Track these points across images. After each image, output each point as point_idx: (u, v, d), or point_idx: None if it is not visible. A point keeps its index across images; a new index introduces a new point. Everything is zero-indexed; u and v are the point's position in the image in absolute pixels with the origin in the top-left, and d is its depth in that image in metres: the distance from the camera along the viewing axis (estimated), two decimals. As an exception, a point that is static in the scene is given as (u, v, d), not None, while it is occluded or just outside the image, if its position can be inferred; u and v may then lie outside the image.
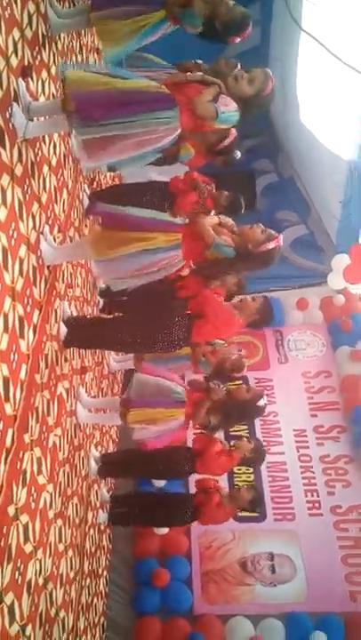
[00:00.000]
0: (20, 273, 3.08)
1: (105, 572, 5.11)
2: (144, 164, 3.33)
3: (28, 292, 3.19)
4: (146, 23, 3.79)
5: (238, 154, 5.16)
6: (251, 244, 3.56)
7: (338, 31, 6.62)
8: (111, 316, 4.87)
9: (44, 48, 3.49)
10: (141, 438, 4.10)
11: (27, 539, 3.10)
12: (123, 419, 4.33)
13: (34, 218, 3.31)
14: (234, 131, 4.59)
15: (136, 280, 3.56)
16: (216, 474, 4.85)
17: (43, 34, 3.47)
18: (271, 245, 3.58)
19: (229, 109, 3.25)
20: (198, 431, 4.74)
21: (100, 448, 4.97)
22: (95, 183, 5.14)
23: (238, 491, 4.93)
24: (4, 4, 2.80)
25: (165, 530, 5.48)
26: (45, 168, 3.55)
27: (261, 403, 4.36)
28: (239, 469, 6.28)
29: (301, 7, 7.01)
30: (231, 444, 4.77)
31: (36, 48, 3.34)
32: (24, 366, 3.10)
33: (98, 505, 4.88)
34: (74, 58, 4.16)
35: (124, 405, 4.19)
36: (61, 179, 3.95)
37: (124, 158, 3.24)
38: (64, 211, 4.00)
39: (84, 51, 4.60)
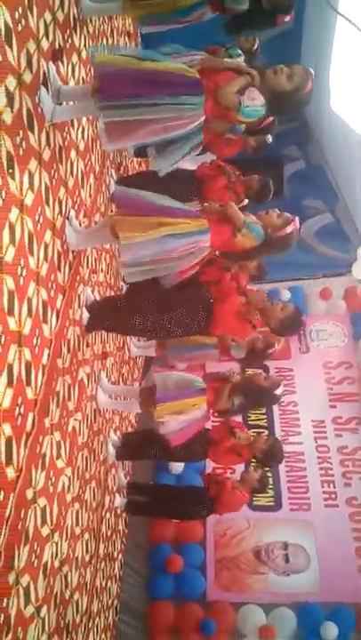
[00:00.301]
0: (45, 258, 3.07)
1: (120, 556, 5.16)
2: (177, 158, 3.28)
3: (52, 276, 3.19)
4: (182, 3, 3.74)
5: (270, 138, 5.12)
6: (269, 230, 3.52)
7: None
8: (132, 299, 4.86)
9: (75, 31, 3.46)
10: (168, 432, 4.09)
11: (44, 522, 3.13)
12: (143, 407, 4.35)
13: (60, 203, 3.30)
14: (270, 139, 4.56)
15: (162, 267, 3.50)
16: (225, 465, 4.87)
17: (74, 17, 3.44)
18: (289, 230, 3.52)
19: (255, 103, 3.11)
20: (218, 421, 4.75)
21: (118, 433, 4.99)
22: (122, 168, 5.12)
23: (247, 473, 4.92)
24: (37, -13, 2.78)
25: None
26: (73, 152, 3.53)
27: (278, 391, 4.33)
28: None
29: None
30: (249, 436, 4.75)
31: (68, 31, 3.32)
32: (46, 351, 3.11)
33: (115, 489, 4.91)
34: (105, 41, 4.11)
35: (143, 400, 4.20)
36: (89, 163, 3.93)
37: (161, 152, 3.23)
38: (90, 196, 3.99)
39: (115, 34, 4.56)
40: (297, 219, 3.60)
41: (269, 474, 6.15)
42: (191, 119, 3.08)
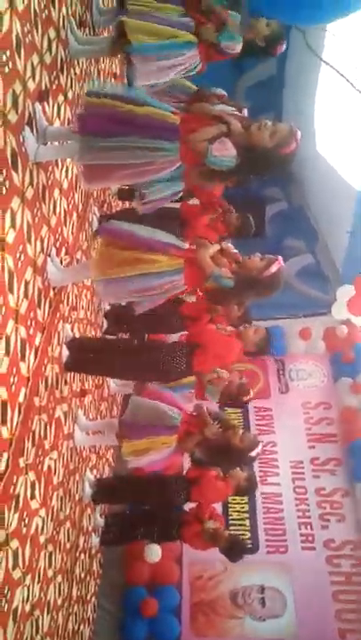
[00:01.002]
0: (25, 295, 3.06)
1: (93, 598, 5.03)
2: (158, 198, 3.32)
3: (31, 314, 3.18)
4: (176, 36, 3.80)
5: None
6: (252, 273, 3.53)
7: (356, 61, 6.70)
8: (113, 339, 4.85)
9: (62, 73, 3.51)
10: (136, 465, 4.07)
11: (16, 564, 3.06)
12: (119, 441, 4.30)
13: (42, 241, 3.30)
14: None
15: (137, 300, 3.53)
16: (212, 501, 4.80)
17: (62, 59, 3.49)
18: (274, 269, 3.54)
19: (224, 154, 3.08)
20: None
21: (95, 472, 4.92)
22: (105, 206, 5.15)
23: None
24: (25, 31, 2.82)
25: (157, 557, 5.40)
26: (56, 191, 3.55)
27: (254, 453, 4.27)
28: (234, 499, 6.23)
29: (323, 38, 7.09)
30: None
31: (54, 72, 3.36)
32: (23, 389, 3.08)
33: (90, 529, 4.82)
34: (91, 83, 4.17)
35: (120, 430, 4.16)
36: (72, 202, 3.95)
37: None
38: (72, 233, 4.00)
39: (101, 75, 4.63)
40: (280, 258, 3.63)
41: (247, 515, 6.17)
42: (164, 165, 3.12)
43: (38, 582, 3.45)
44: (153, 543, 5.38)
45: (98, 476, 4.96)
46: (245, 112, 4.92)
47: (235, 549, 4.79)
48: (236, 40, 3.95)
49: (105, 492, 4.73)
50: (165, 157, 3.09)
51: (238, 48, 3.99)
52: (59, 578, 3.91)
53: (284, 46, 4.20)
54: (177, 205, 4.90)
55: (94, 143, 3.04)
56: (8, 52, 2.63)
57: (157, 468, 4.22)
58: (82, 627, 4.64)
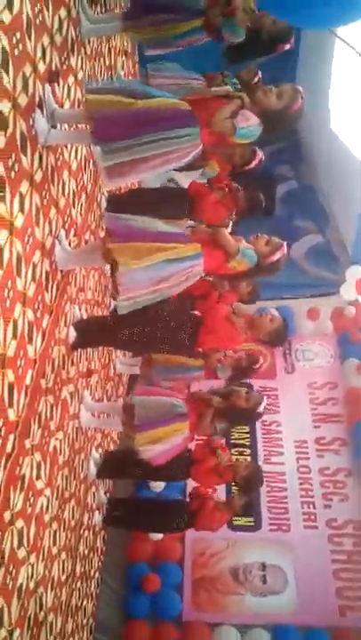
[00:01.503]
0: (33, 278, 3.07)
1: (97, 574, 5.12)
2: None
3: (39, 297, 3.18)
4: (180, 30, 3.79)
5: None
6: (258, 255, 3.54)
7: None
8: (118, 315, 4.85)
9: (73, 53, 3.47)
10: (149, 456, 4.09)
11: (20, 544, 3.11)
12: (125, 427, 4.35)
13: (50, 223, 3.29)
14: (260, 153, 4.58)
15: (152, 297, 3.50)
16: (206, 485, 4.85)
17: (72, 38, 3.45)
18: (277, 256, 3.57)
19: (250, 124, 3.18)
20: (200, 440, 4.75)
21: (100, 450, 4.97)
22: (114, 185, 5.11)
23: (232, 498, 4.95)
24: (36, 11, 2.78)
25: (160, 535, 5.50)
26: (65, 173, 3.53)
27: (260, 409, 4.34)
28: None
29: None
30: (231, 457, 4.78)
31: (65, 53, 3.32)
32: (30, 371, 3.10)
33: (94, 507, 4.89)
34: (102, 60, 4.12)
35: (126, 419, 4.19)
36: (81, 182, 3.93)
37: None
38: (81, 214, 3.99)
39: (112, 53, 4.57)
40: (285, 244, 3.63)
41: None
42: (190, 149, 3.12)
43: (42, 560, 3.51)
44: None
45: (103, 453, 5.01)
46: (260, 74, 4.89)
47: (254, 479, 4.79)
48: (237, 34, 3.90)
49: (110, 465, 4.79)
50: (186, 143, 3.09)
51: (238, 40, 3.96)
52: (63, 555, 3.97)
53: (288, 46, 4.16)
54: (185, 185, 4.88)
55: (112, 146, 3.04)
56: (19, 34, 2.59)
57: (170, 457, 4.23)
58: (85, 602, 4.73)
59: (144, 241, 3.36)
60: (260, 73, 5.03)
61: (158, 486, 5.55)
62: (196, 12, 3.77)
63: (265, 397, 4.44)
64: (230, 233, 3.93)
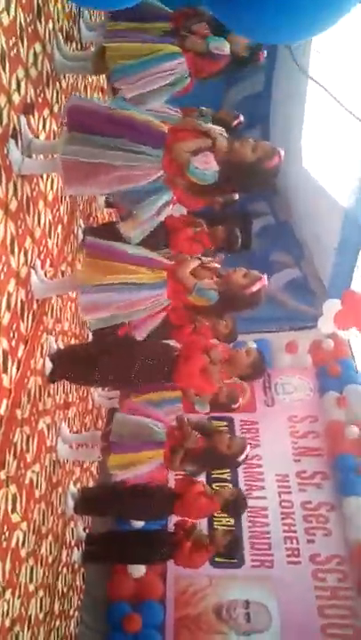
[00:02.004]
0: (7, 307, 3.06)
1: (76, 613, 4.98)
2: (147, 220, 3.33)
3: (14, 326, 3.17)
4: (158, 50, 3.84)
5: (236, 195, 5.22)
6: (234, 289, 3.54)
7: (344, 79, 6.78)
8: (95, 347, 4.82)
9: (48, 86, 3.53)
10: (122, 478, 4.05)
11: (-5, 579, 3.03)
12: (104, 454, 4.29)
13: (26, 253, 3.30)
14: (236, 196, 4.63)
15: (122, 314, 3.51)
16: (194, 517, 4.78)
17: (47, 72, 3.51)
18: (256, 287, 3.54)
19: (206, 167, 3.09)
20: (180, 475, 4.70)
21: (78, 485, 4.89)
22: (92, 218, 5.16)
23: (215, 534, 4.87)
24: (11, 44, 2.84)
25: (141, 572, 5.38)
26: (41, 203, 3.56)
27: (242, 457, 4.29)
28: (219, 513, 6.19)
29: (309, 55, 7.17)
30: (213, 487, 4.72)
31: (40, 86, 3.38)
32: (5, 401, 3.07)
33: (73, 543, 4.79)
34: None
35: (104, 447, 4.14)
36: (57, 214, 3.96)
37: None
38: (57, 245, 4.00)
39: (88, 89, 4.65)
40: (265, 276, 3.62)
41: (232, 528, 6.12)
42: (147, 171, 3.12)
43: (19, 597, 3.42)
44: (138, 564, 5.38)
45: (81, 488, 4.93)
46: (241, 118, 4.98)
47: (233, 507, 4.73)
48: (224, 43, 3.98)
49: (88, 502, 4.70)
50: (149, 163, 3.10)
51: (227, 49, 4.02)
52: (40, 592, 3.87)
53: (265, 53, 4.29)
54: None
55: (81, 138, 3.06)
56: (-8, 65, 2.64)
57: (142, 480, 4.21)
58: (63, 642, 4.60)
59: (112, 259, 3.38)
60: (241, 117, 5.11)
61: (138, 523, 5.45)
62: (169, 36, 3.85)
63: (248, 446, 4.38)
64: (208, 263, 3.95)
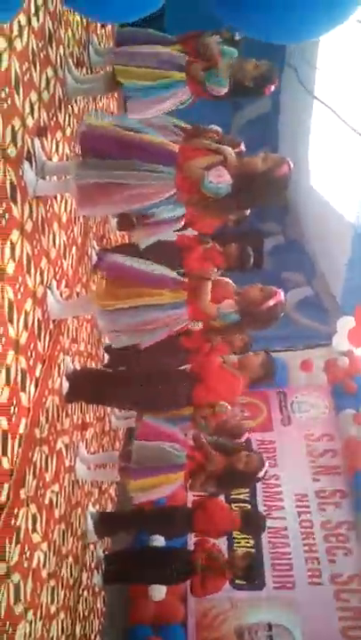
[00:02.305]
0: (25, 326, 3.09)
1: (97, 637, 4.93)
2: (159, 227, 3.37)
3: (31, 345, 3.20)
4: (165, 77, 3.91)
5: (248, 212, 5.23)
6: (251, 305, 3.57)
7: (348, 98, 6.86)
8: (113, 371, 4.85)
9: (60, 110, 3.60)
10: (141, 500, 4.04)
11: (17, 599, 3.01)
12: (122, 475, 4.29)
13: (42, 273, 3.34)
14: (248, 212, 4.67)
15: (138, 336, 3.54)
16: (215, 532, 4.73)
17: (59, 97, 3.59)
18: (272, 303, 3.58)
19: (220, 181, 3.16)
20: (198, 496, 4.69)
21: (97, 506, 4.87)
22: (105, 240, 5.22)
23: (234, 556, 4.81)
24: (24, 69, 2.91)
25: (162, 595, 5.31)
26: (55, 224, 3.61)
27: (261, 474, 4.29)
28: (239, 534, 6.13)
29: (314, 75, 7.27)
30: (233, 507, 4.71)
31: (53, 110, 3.45)
32: (24, 420, 3.08)
33: (93, 566, 4.75)
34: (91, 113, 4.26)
35: (122, 467, 4.14)
36: (71, 235, 4.01)
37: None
38: (72, 266, 4.05)
39: (99, 113, 4.73)
40: (281, 291, 3.65)
41: (252, 550, 6.05)
42: (160, 189, 3.17)
43: (41, 619, 3.39)
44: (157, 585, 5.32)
45: (100, 510, 4.91)
46: (242, 146, 5.02)
47: (251, 522, 4.74)
48: (221, 84, 3.98)
49: (107, 525, 4.68)
50: (162, 180, 3.15)
51: (223, 92, 4.05)
52: (62, 614, 3.84)
53: (273, 87, 4.28)
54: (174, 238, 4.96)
55: (93, 162, 3.11)
56: (7, 89, 2.71)
57: (161, 498, 4.21)
58: (86, 667, 4.54)
59: (132, 281, 3.41)
60: (242, 145, 5.15)
61: (158, 541, 5.40)
62: (176, 66, 3.91)
63: (266, 462, 4.39)
64: (218, 280, 3.98)
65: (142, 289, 3.48)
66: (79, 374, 4.05)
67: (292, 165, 3.16)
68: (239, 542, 6.27)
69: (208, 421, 4.31)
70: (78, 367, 4.19)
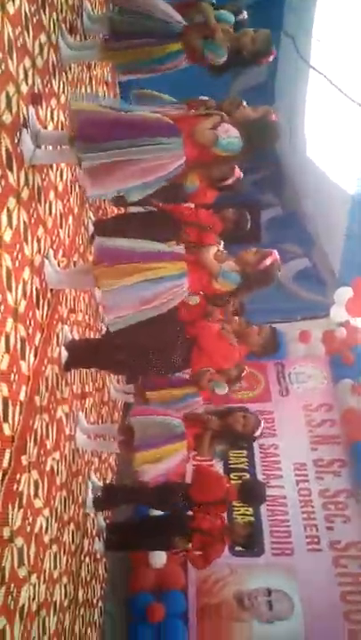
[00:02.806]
0: (24, 295, 3.10)
1: (99, 603, 5.02)
2: (152, 189, 3.37)
3: (30, 314, 3.21)
4: (159, 54, 3.90)
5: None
6: (249, 266, 3.60)
7: (345, 68, 6.79)
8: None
9: (55, 77, 3.57)
10: (149, 478, 4.06)
11: (21, 562, 3.06)
12: (122, 448, 4.35)
13: (39, 241, 3.34)
14: (238, 171, 4.65)
15: (140, 315, 3.55)
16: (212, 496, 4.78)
17: (53, 63, 3.55)
18: (268, 262, 3.62)
19: (230, 135, 3.26)
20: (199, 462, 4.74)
21: (97, 474, 4.93)
22: (101, 211, 5.20)
23: (233, 525, 4.87)
24: (17, 34, 2.88)
25: (162, 562, 5.40)
26: (52, 194, 3.60)
27: (257, 433, 4.34)
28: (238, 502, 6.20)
29: (310, 45, 7.19)
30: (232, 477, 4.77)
31: (47, 77, 3.42)
32: (24, 387, 3.11)
33: (94, 533, 4.82)
34: (83, 89, 4.24)
35: (121, 440, 4.19)
36: (67, 204, 4.00)
37: (131, 189, 3.29)
38: (69, 236, 4.04)
39: (93, 82, 4.70)
40: (275, 251, 3.68)
41: (251, 518, 6.13)
42: (171, 159, 3.18)
43: (44, 582, 3.46)
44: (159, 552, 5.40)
45: (102, 482, 4.96)
46: (244, 103, 4.99)
47: (251, 492, 4.80)
48: (220, 54, 3.98)
49: (107, 499, 4.75)
50: (170, 152, 3.15)
51: (222, 60, 4.04)
52: (64, 579, 3.91)
53: (271, 58, 4.24)
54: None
55: (94, 146, 3.10)
56: (0, 54, 2.68)
57: (165, 477, 4.23)
58: (89, 630, 4.62)
59: (130, 262, 3.42)
60: (244, 102, 5.13)
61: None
62: (172, 36, 3.88)
63: (262, 421, 4.43)
64: (220, 251, 3.98)
65: (142, 264, 3.49)
66: (77, 344, 4.07)
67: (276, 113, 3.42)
68: (239, 510, 6.35)
69: (218, 380, 4.32)
70: (76, 337, 4.21)
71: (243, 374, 4.48)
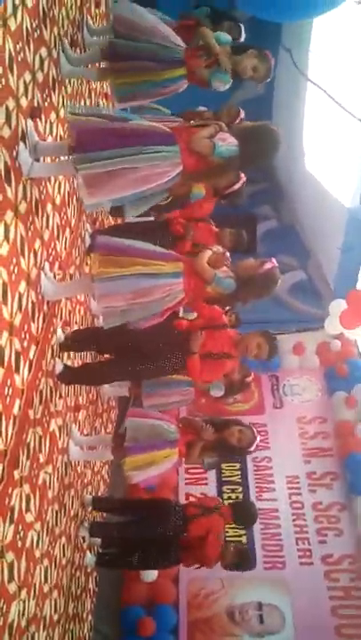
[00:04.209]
0: (19, 308, 3.09)
1: (89, 617, 4.99)
2: (150, 205, 3.38)
3: (25, 327, 3.20)
4: (160, 78, 3.92)
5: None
6: (248, 270, 3.61)
7: (342, 81, 6.83)
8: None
9: (54, 91, 3.57)
10: (137, 481, 4.06)
11: (11, 578, 3.05)
12: (115, 454, 4.33)
13: (35, 254, 3.34)
14: (243, 176, 4.67)
15: (133, 311, 3.53)
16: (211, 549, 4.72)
17: (53, 77, 3.56)
18: (268, 265, 3.63)
19: (228, 142, 3.26)
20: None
21: (90, 488, 4.91)
22: (98, 223, 5.20)
23: (225, 550, 4.79)
24: (17, 49, 2.88)
25: (153, 577, 5.36)
26: (49, 206, 3.60)
27: (252, 448, 4.33)
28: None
29: (308, 58, 7.23)
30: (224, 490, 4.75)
31: (46, 91, 3.42)
32: (18, 401, 3.10)
33: (85, 547, 4.80)
34: (82, 102, 4.24)
35: (115, 447, 4.17)
36: (64, 217, 4.00)
37: (129, 199, 3.29)
38: (66, 249, 4.04)
39: (92, 95, 4.71)
40: (273, 259, 3.70)
41: (243, 531, 6.10)
42: (169, 167, 3.18)
43: (34, 597, 3.44)
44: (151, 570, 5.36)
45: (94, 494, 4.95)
46: (242, 114, 5.02)
47: (243, 514, 4.82)
48: (225, 81, 4.05)
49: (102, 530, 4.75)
50: (168, 160, 3.16)
51: (227, 87, 4.12)
52: (54, 593, 3.89)
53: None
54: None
55: (93, 156, 3.10)
56: (1, 69, 2.69)
57: (154, 482, 4.24)
58: (78, 645, 4.60)
59: (126, 255, 3.43)
60: (242, 112, 5.15)
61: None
62: (175, 62, 3.90)
63: (258, 436, 4.42)
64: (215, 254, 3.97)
65: (140, 259, 3.49)
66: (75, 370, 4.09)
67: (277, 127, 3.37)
68: (228, 532, 6.28)
69: (216, 381, 4.30)
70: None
71: (248, 379, 4.47)
